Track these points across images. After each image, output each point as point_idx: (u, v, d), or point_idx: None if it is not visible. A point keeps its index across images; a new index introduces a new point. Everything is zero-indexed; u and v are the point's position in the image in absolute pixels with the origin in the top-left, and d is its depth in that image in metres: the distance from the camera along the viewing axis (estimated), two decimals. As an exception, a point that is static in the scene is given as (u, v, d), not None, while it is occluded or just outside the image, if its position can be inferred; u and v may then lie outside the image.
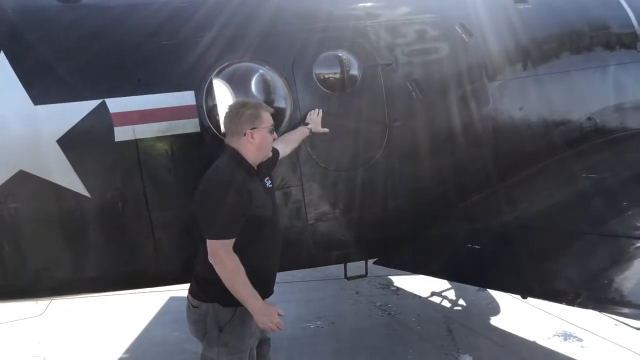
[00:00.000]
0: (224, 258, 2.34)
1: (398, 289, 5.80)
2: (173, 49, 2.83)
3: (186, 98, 2.78)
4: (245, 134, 2.47)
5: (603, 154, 3.78)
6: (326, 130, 3.02)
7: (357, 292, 5.59)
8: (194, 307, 2.56)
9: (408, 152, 3.29)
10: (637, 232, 2.56)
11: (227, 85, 2.96)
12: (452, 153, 3.45)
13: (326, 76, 3.11)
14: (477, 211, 3.40)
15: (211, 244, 2.36)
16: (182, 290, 5.23)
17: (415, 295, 5.61)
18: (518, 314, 4.83)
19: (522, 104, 3.72)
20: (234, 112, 2.52)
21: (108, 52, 2.77)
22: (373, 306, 5.25)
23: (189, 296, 2.61)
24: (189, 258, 2.87)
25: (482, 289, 5.64)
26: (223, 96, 2.97)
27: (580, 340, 4.41)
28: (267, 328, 2.45)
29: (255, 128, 2.48)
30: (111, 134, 2.65)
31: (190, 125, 2.79)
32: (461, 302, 5.41)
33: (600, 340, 4.33)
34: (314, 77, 3.05)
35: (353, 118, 3.18)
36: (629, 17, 4.28)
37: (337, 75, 3.13)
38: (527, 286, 2.55)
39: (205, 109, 2.82)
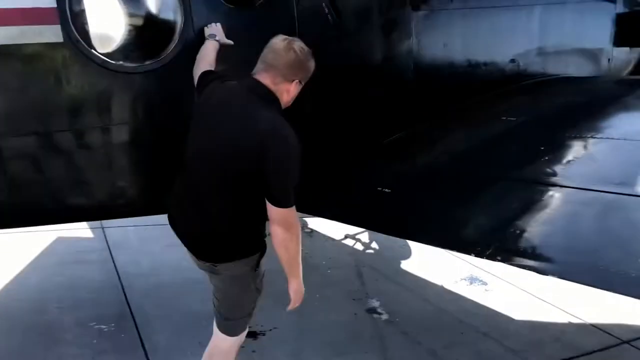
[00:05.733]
0: (295, 225, 2.14)
1: (312, 231, 5.62)
2: None
3: (44, -2, 2.22)
4: (292, 82, 2.17)
5: (523, 97, 3.65)
6: (231, 42, 2.59)
7: (268, 234, 5.32)
8: (216, 267, 2.26)
9: (319, 84, 2.94)
10: (550, 178, 2.42)
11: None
12: (369, 87, 3.15)
13: (229, -12, 2.63)
14: (391, 153, 3.16)
15: (283, 212, 2.08)
16: (70, 230, 4.73)
17: (329, 238, 5.45)
18: (429, 258, 4.80)
19: (446, 40, 3.46)
20: (299, 53, 2.16)
21: None
22: (283, 249, 5.01)
23: (203, 263, 2.28)
24: (48, 194, 2.42)
25: (395, 232, 5.59)
26: (96, 2, 2.42)
27: (485, 284, 4.45)
28: (296, 299, 2.31)
29: (300, 82, 2.21)
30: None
31: (49, 34, 2.24)
32: (374, 245, 5.32)
33: (504, 284, 4.40)
34: (213, -13, 2.57)
35: (260, 39, 2.74)
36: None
37: (243, -12, 2.66)
38: (435, 235, 2.35)
39: (71, 14, 2.27)
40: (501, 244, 2.02)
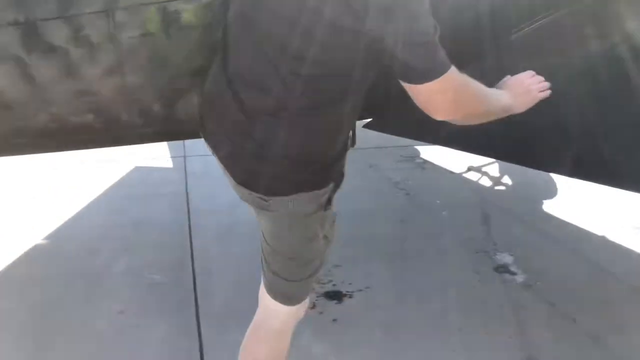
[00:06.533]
0: (463, 90, 1.32)
1: (425, 162, 4.61)
2: None
3: None
4: None
5: None
6: None
7: (370, 166, 4.43)
8: (267, 201, 1.47)
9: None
10: None
11: None
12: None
13: None
14: (532, 43, 2.02)
15: (440, 86, 1.26)
16: (149, 159, 4.28)
17: (446, 170, 4.41)
18: (583, 198, 3.58)
19: None
20: None
21: None
22: (388, 182, 4.10)
23: (248, 193, 1.47)
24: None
25: (534, 163, 4.37)
26: None
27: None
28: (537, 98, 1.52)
29: None
30: None
31: None
32: (506, 180, 4.18)
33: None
34: None
35: None
36: None
37: None
38: (609, 170, 1.29)
39: None
40: None
